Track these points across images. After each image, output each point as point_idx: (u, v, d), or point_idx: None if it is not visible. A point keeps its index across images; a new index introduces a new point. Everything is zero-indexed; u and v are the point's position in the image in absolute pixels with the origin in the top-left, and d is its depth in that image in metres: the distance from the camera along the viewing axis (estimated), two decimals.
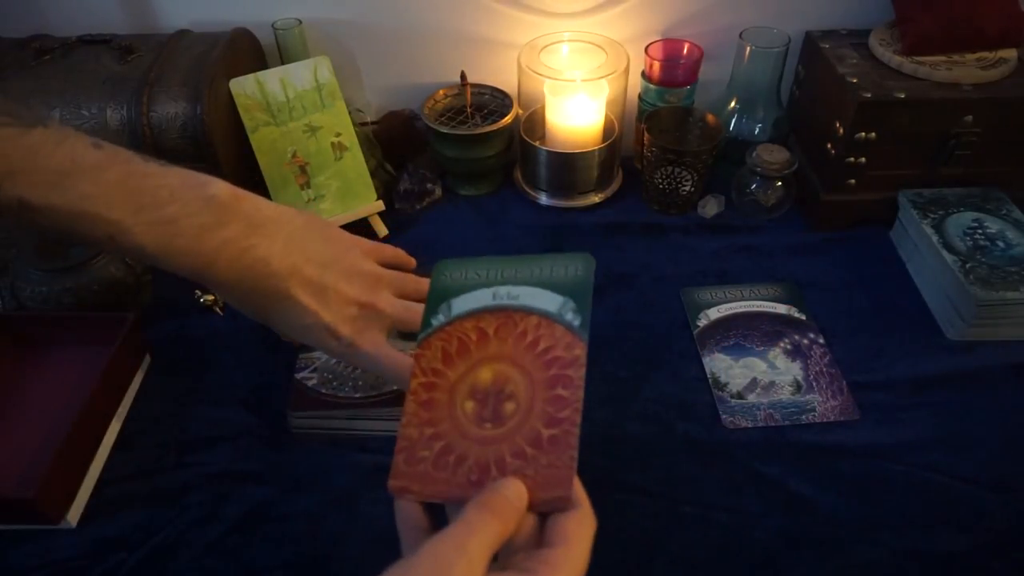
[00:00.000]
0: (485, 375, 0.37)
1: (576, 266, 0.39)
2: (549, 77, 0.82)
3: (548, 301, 0.38)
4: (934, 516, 0.57)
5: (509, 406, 0.35)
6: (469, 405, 0.36)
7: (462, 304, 0.39)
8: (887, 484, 0.59)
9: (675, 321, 0.74)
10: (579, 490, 0.34)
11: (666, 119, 0.86)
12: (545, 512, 0.33)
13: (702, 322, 0.73)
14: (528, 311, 0.38)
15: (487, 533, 0.30)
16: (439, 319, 0.39)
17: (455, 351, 0.38)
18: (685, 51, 0.87)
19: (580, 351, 0.36)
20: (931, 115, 0.75)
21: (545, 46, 0.87)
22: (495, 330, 0.38)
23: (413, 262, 0.50)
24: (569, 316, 0.37)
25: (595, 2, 0.86)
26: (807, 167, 0.85)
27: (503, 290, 0.39)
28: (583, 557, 0.32)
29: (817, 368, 0.68)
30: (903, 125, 0.75)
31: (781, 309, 0.74)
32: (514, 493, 0.32)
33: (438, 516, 0.34)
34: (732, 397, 0.66)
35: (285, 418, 0.63)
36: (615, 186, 0.90)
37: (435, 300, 0.40)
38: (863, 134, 0.75)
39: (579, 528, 0.32)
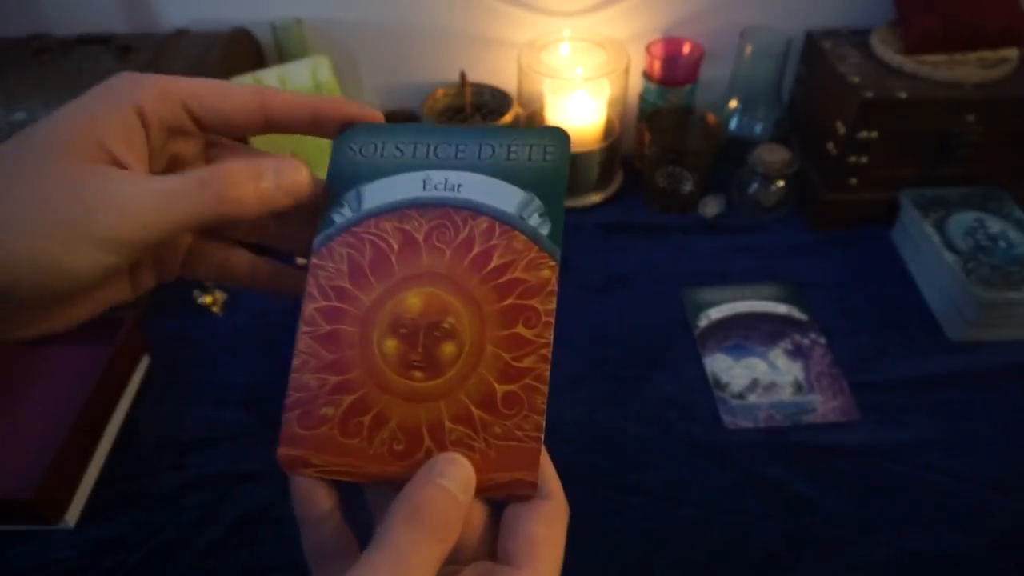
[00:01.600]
0: (413, 301, 0.26)
1: (545, 146, 0.28)
2: (549, 76, 0.82)
3: (504, 197, 0.27)
4: (935, 517, 0.57)
5: (448, 348, 0.26)
6: (390, 344, 0.26)
7: (378, 193, 0.28)
8: (888, 485, 0.59)
9: (675, 321, 0.74)
10: (548, 474, 0.25)
11: (667, 119, 0.85)
12: (499, 499, 0.25)
13: (703, 322, 0.73)
14: (475, 210, 0.27)
15: (424, 561, 0.22)
16: (344, 214, 0.28)
17: (369, 264, 0.27)
18: (686, 50, 0.86)
19: (549, 272, 0.26)
20: (932, 115, 0.74)
21: (545, 45, 0.86)
22: (426, 235, 0.27)
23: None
24: (534, 221, 0.27)
25: (595, 1, 0.86)
26: (808, 167, 0.85)
27: (438, 176, 0.28)
28: (556, 569, 0.24)
29: (818, 368, 0.68)
30: (904, 125, 0.75)
31: (782, 309, 0.74)
32: (459, 483, 0.24)
33: (350, 496, 0.27)
34: (733, 397, 0.66)
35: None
36: (615, 186, 0.90)
37: (338, 185, 0.28)
38: (864, 134, 0.75)
39: (550, 531, 0.24)
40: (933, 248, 0.73)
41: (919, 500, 0.58)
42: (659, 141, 0.82)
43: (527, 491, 0.25)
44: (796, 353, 0.70)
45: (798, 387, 0.67)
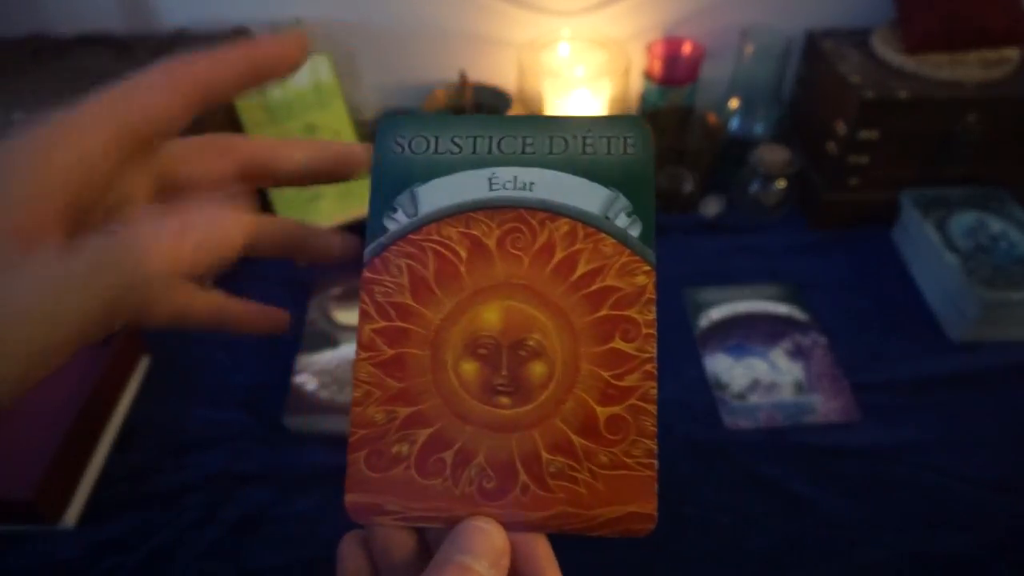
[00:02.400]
0: (490, 317, 0.23)
1: (624, 138, 0.25)
2: (549, 76, 0.82)
3: (585, 195, 0.24)
4: (936, 517, 0.57)
5: (537, 368, 0.23)
6: (469, 367, 0.23)
7: (436, 195, 0.24)
8: (889, 485, 0.59)
9: (676, 321, 0.74)
10: (542, 553, 0.22)
11: (667, 118, 0.85)
12: (606, 535, 0.22)
13: (703, 322, 0.73)
14: (552, 211, 0.24)
15: None
16: (397, 220, 0.24)
17: (434, 276, 0.24)
18: (686, 50, 0.86)
19: (645, 278, 0.23)
20: (933, 114, 0.74)
21: (545, 45, 0.86)
22: (498, 241, 0.24)
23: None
24: (622, 221, 0.24)
25: (595, 0, 0.86)
26: (808, 167, 0.85)
27: (506, 174, 0.24)
28: None
29: (819, 369, 0.68)
30: (905, 124, 0.75)
31: (782, 309, 0.74)
32: (487, 558, 0.21)
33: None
34: (733, 398, 0.66)
35: (283, 419, 0.63)
36: None
37: (386, 186, 0.24)
38: (865, 133, 0.75)
39: None
40: (934, 248, 0.73)
41: (919, 500, 0.58)
42: (659, 141, 0.82)
43: (644, 525, 0.22)
44: (797, 353, 0.70)
45: (799, 387, 0.67)
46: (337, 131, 0.78)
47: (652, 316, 0.23)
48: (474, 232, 0.24)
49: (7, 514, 0.55)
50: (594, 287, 0.23)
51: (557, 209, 0.24)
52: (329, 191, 0.79)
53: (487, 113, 0.86)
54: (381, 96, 0.93)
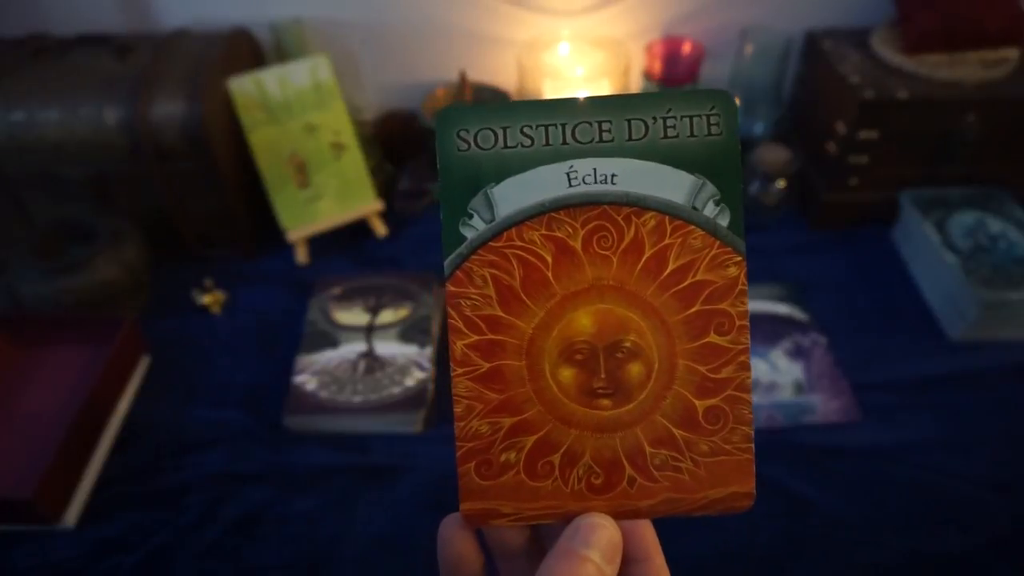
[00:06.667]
0: (583, 322, 0.23)
1: (707, 116, 0.23)
2: (549, 76, 0.82)
3: (670, 185, 0.23)
4: (937, 517, 0.57)
5: (634, 369, 0.23)
6: (567, 373, 0.23)
7: (512, 196, 0.23)
8: (889, 485, 0.59)
9: None
10: (649, 538, 0.24)
11: None
12: (710, 514, 0.24)
13: None
14: (637, 204, 0.23)
15: None
16: (474, 226, 0.23)
17: (521, 284, 0.23)
18: (686, 49, 0.86)
19: (737, 269, 0.23)
20: (933, 114, 0.74)
21: (545, 45, 0.86)
22: (584, 242, 0.23)
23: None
24: (710, 210, 0.23)
25: (595, 0, 0.86)
26: (808, 167, 0.85)
27: (585, 166, 0.23)
28: None
29: (819, 369, 0.68)
30: (905, 124, 0.75)
31: (782, 309, 0.74)
32: (604, 552, 0.22)
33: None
34: None
35: (283, 419, 0.63)
36: None
37: (458, 189, 0.23)
38: (864, 133, 0.75)
39: None
40: (933, 248, 0.73)
41: (919, 500, 0.58)
42: None
43: (744, 503, 0.23)
44: (797, 353, 0.70)
45: (798, 387, 0.67)
46: (337, 131, 0.78)
47: (744, 307, 0.23)
48: (558, 234, 0.23)
49: (7, 514, 0.55)
50: (685, 283, 0.23)
51: (642, 202, 0.23)
52: (329, 191, 0.79)
53: None
54: (381, 96, 0.93)
